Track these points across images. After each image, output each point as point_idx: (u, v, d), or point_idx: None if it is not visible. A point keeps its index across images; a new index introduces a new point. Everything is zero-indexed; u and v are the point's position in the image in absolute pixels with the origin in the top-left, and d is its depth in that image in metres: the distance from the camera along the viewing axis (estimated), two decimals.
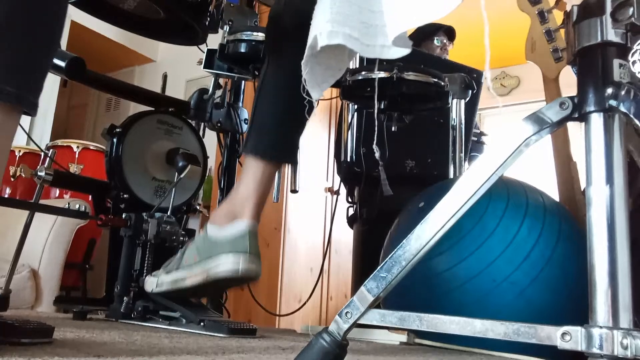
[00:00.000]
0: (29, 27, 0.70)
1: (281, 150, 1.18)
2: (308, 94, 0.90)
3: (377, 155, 1.33)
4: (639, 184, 1.12)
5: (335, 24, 0.75)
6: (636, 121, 0.59)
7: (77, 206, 1.51)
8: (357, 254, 2.12)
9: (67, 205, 1.51)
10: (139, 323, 1.26)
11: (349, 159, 2.00)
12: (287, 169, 1.84)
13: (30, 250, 2.25)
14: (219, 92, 1.72)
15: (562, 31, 1.32)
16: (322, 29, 0.76)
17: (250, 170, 1.14)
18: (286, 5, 1.18)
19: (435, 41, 2.67)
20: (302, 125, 1.21)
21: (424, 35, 2.65)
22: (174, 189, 1.47)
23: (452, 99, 1.77)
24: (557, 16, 1.55)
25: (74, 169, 2.82)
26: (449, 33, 2.74)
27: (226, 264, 1.07)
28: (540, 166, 1.61)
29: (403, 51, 0.76)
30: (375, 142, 1.33)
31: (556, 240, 1.21)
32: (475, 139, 2.73)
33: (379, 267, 0.65)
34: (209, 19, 1.55)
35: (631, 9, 0.60)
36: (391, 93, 1.53)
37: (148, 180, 1.54)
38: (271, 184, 1.16)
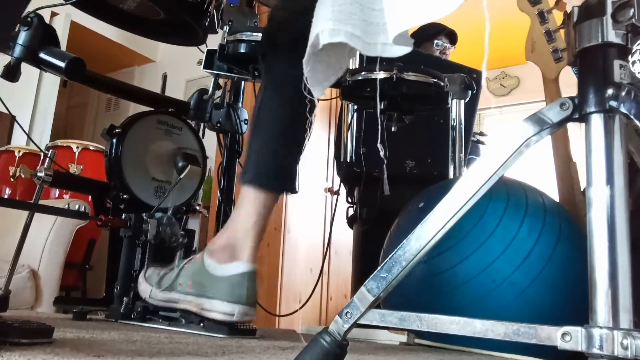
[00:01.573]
0: None
1: (282, 180, 1.16)
2: (310, 93, 0.90)
3: (381, 153, 1.33)
4: (639, 184, 1.12)
5: (337, 22, 0.75)
6: (637, 122, 0.59)
7: (76, 206, 1.51)
8: (357, 254, 2.12)
9: (66, 206, 1.51)
10: (139, 323, 1.26)
11: (348, 159, 2.00)
12: None
13: (30, 250, 2.25)
14: (218, 93, 1.72)
15: (562, 31, 1.32)
16: (323, 27, 0.76)
17: (250, 201, 1.12)
18: (280, 23, 1.17)
19: (435, 44, 2.66)
20: (302, 149, 1.19)
21: (425, 36, 2.64)
22: (173, 190, 1.47)
23: (452, 99, 1.77)
24: (557, 16, 1.55)
25: (73, 169, 2.82)
26: (451, 36, 2.72)
27: (220, 313, 1.07)
28: (540, 166, 1.61)
29: (404, 49, 0.76)
30: (379, 140, 1.33)
31: (556, 241, 1.21)
32: (475, 139, 2.73)
33: (379, 268, 0.65)
34: (208, 19, 1.55)
35: (632, 10, 0.60)
36: (391, 93, 1.53)
37: (148, 180, 1.54)
38: (271, 213, 1.15)
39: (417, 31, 2.61)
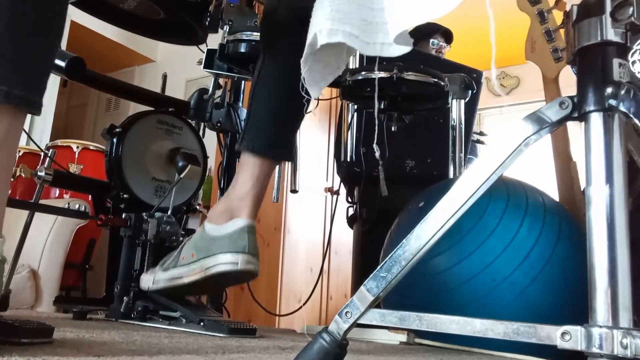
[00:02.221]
0: (32, 28, 0.71)
1: (277, 147, 1.18)
2: (307, 93, 0.89)
3: (377, 154, 1.33)
4: (638, 183, 1.12)
5: (335, 22, 0.75)
6: (636, 120, 0.59)
7: (77, 206, 1.51)
8: (357, 254, 2.12)
9: (67, 205, 1.51)
10: (139, 323, 1.26)
11: (348, 159, 2.00)
12: (287, 169, 1.84)
13: (30, 250, 2.25)
14: (218, 92, 1.72)
15: (562, 31, 1.32)
16: (322, 27, 0.76)
17: (247, 168, 1.14)
18: (281, 0, 1.18)
19: (431, 43, 2.66)
20: (298, 122, 1.21)
21: (420, 35, 2.64)
22: (173, 189, 1.47)
23: (452, 99, 1.77)
24: (557, 16, 1.55)
25: (73, 169, 2.82)
26: (446, 35, 2.72)
27: (224, 264, 1.08)
28: (540, 166, 1.61)
29: (404, 49, 0.76)
30: (375, 141, 1.33)
31: (556, 240, 1.21)
32: (475, 139, 2.73)
33: (378, 267, 0.65)
34: (208, 19, 1.55)
35: (631, 9, 0.60)
36: (391, 93, 1.53)
37: (148, 180, 1.54)
38: (268, 181, 1.16)
39: (413, 30, 2.59)
